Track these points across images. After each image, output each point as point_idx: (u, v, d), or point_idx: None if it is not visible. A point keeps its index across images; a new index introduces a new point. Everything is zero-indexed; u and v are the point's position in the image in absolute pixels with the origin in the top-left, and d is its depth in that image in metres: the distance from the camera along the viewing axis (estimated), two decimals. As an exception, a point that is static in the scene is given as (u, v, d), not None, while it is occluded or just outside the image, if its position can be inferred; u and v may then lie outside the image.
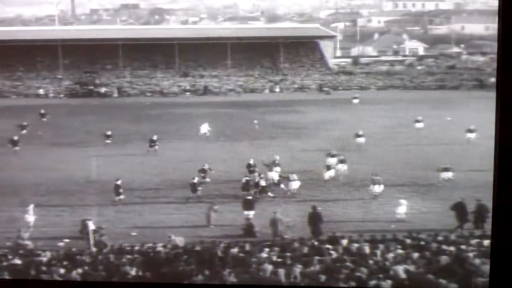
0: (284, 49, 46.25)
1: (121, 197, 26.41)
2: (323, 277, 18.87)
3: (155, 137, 32.53)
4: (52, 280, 18.69)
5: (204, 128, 34.17)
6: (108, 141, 33.02)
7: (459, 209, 23.34)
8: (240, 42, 44.67)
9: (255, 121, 35.76)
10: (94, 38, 43.49)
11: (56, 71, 43.98)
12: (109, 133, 33.23)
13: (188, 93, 43.46)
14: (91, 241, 22.70)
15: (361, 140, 31.71)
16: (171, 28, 48.01)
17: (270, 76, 45.51)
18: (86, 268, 20.26)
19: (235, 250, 21.23)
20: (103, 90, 42.72)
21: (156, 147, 32.21)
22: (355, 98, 38.50)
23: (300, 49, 46.79)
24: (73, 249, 21.85)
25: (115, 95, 42.60)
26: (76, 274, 19.73)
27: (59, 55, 43.90)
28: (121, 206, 25.99)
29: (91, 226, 23.24)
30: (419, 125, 33.91)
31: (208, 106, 39.73)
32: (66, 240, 22.67)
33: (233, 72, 45.12)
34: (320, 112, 36.02)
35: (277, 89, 44.14)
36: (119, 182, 26.72)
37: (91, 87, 42.74)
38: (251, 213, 24.55)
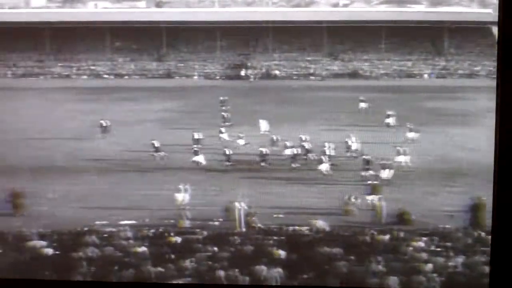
0: (448, 34, 43.93)
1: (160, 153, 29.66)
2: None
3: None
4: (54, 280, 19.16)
5: None
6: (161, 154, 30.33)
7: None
8: (397, 26, 43.09)
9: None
10: (247, 20, 44.22)
11: (214, 53, 45.28)
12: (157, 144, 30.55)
13: (335, 77, 43.03)
14: (242, 223, 23.37)
15: None
16: (321, 11, 47.51)
17: (430, 61, 43.66)
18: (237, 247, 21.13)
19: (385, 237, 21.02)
20: (250, 72, 43.67)
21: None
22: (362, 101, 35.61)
23: (467, 34, 44.30)
24: (224, 229, 22.73)
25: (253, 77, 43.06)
26: (226, 253, 20.63)
27: (217, 37, 45.09)
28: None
29: (239, 206, 23.99)
30: None
31: (357, 90, 39.01)
32: (220, 220, 23.56)
33: (387, 56, 43.81)
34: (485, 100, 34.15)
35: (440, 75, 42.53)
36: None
37: (243, 70, 43.87)
38: (375, 198, 24.28)
